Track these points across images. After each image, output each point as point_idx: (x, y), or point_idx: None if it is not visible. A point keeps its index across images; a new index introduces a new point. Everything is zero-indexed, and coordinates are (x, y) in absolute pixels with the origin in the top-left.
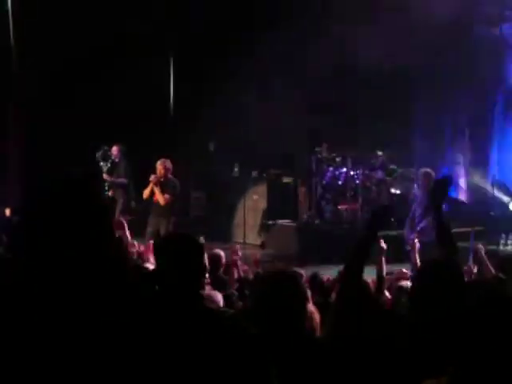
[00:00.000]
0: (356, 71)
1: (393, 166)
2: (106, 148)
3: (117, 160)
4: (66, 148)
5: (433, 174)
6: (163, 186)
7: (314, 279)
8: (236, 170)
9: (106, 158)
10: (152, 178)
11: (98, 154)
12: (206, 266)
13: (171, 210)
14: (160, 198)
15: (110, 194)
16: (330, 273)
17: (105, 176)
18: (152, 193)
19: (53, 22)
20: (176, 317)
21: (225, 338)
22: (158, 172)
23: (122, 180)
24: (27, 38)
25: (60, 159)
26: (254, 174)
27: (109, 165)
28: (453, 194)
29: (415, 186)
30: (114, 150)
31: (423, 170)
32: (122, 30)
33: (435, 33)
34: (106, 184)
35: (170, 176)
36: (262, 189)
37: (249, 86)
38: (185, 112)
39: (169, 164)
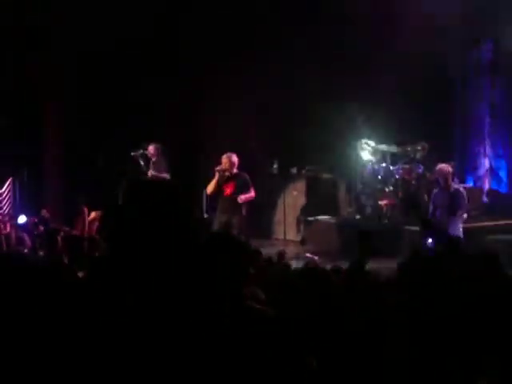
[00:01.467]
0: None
1: (432, 159)
2: (143, 150)
3: (154, 159)
4: (100, 145)
5: (447, 169)
6: (232, 180)
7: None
8: (275, 166)
9: (145, 159)
10: (217, 170)
11: (138, 154)
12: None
13: (242, 206)
14: (229, 189)
15: None
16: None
17: (149, 173)
18: (219, 186)
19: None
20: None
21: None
22: (224, 165)
23: (165, 175)
24: (64, 33)
25: (96, 157)
26: (293, 170)
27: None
28: (493, 187)
29: (455, 179)
30: (151, 149)
31: (439, 166)
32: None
33: None
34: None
35: (236, 170)
36: (301, 185)
37: (288, 81)
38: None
39: (235, 158)
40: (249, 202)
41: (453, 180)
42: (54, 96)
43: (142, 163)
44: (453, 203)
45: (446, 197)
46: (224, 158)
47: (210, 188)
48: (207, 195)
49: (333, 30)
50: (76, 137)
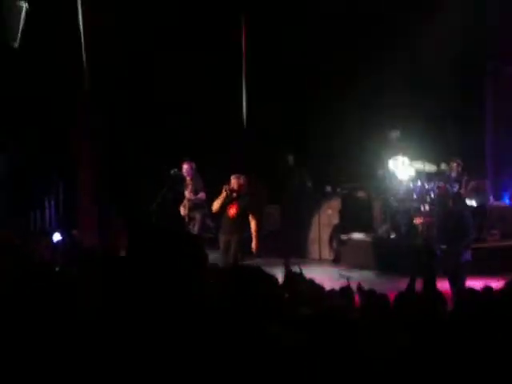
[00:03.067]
0: None
1: (467, 177)
2: (175, 170)
3: (189, 178)
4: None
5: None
6: (237, 201)
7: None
8: (310, 184)
9: (181, 179)
10: (225, 189)
11: (173, 173)
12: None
13: (243, 226)
14: (233, 210)
15: (184, 213)
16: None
17: (187, 194)
18: (223, 206)
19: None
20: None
21: None
22: (232, 186)
23: (202, 195)
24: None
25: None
26: (328, 188)
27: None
28: None
29: (490, 197)
30: (186, 167)
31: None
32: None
33: None
34: (187, 203)
35: (243, 192)
36: (336, 204)
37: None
38: (259, 125)
39: (243, 180)
40: (282, 221)
41: (488, 198)
42: (89, 110)
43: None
44: None
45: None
46: (233, 179)
47: (216, 206)
48: (211, 213)
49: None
50: (111, 150)
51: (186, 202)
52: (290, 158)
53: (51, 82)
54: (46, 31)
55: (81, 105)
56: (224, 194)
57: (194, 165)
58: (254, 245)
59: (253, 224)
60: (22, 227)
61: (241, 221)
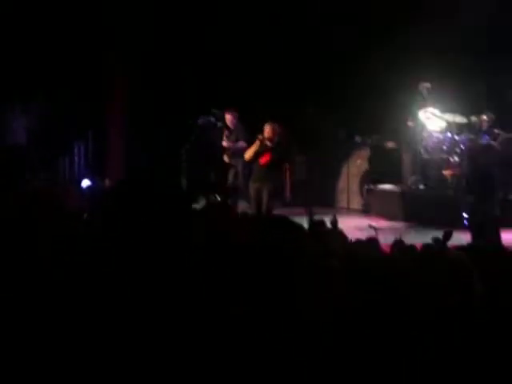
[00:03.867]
0: None
1: (497, 131)
2: (216, 112)
3: (232, 127)
4: (165, 123)
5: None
6: (270, 150)
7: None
8: (357, 138)
9: (220, 119)
10: (259, 137)
11: (201, 121)
12: None
13: (276, 175)
14: (266, 158)
15: (226, 159)
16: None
17: (224, 143)
18: (256, 154)
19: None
20: None
21: None
22: (265, 134)
23: (242, 144)
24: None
25: (159, 135)
26: (358, 139)
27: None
28: None
29: None
30: (229, 118)
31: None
32: None
33: None
34: (229, 152)
35: (277, 140)
36: (366, 154)
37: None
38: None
39: (277, 128)
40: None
41: None
42: (119, 59)
43: (219, 124)
44: None
45: None
46: (267, 127)
47: (249, 154)
48: (243, 161)
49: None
50: (140, 101)
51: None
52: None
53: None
54: None
55: (113, 56)
56: (258, 142)
57: (236, 114)
58: (287, 193)
59: (287, 172)
60: (53, 174)
61: (273, 169)
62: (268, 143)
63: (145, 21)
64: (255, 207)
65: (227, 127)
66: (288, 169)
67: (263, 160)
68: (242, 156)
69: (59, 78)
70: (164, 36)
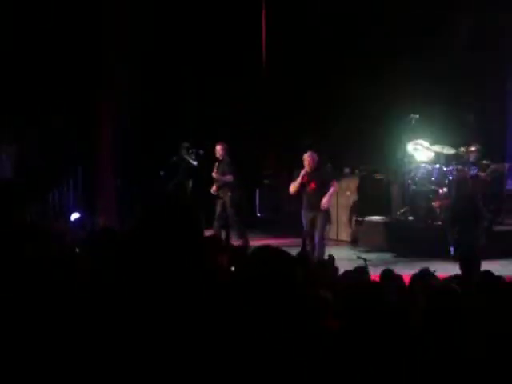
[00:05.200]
0: None
1: (486, 161)
2: (186, 146)
3: (221, 158)
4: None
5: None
6: (315, 177)
7: (387, 275)
8: (329, 166)
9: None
10: (303, 172)
11: (190, 152)
12: None
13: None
14: (325, 202)
15: (213, 190)
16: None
17: (214, 174)
18: (302, 186)
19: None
20: None
21: None
22: (306, 164)
23: (229, 177)
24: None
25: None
26: (346, 170)
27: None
28: None
29: (508, 181)
30: (219, 148)
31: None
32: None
33: None
34: (217, 184)
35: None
36: (354, 185)
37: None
38: (278, 110)
39: (316, 156)
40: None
41: (506, 182)
42: (107, 97)
43: (194, 163)
44: None
45: None
46: (308, 156)
47: (295, 188)
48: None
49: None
50: (128, 135)
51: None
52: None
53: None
54: None
55: (101, 92)
56: (303, 174)
57: (225, 146)
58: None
59: (332, 188)
60: (43, 207)
61: (321, 194)
62: (309, 171)
63: (133, 61)
64: (309, 234)
65: (216, 158)
66: (334, 184)
67: (310, 188)
68: (230, 188)
69: (49, 110)
70: (149, 74)
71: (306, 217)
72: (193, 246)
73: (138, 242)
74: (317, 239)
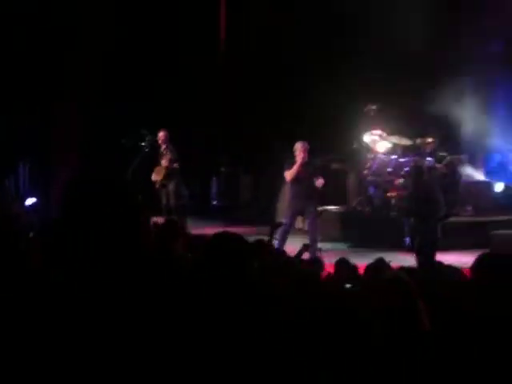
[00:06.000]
0: None
1: (442, 153)
2: (146, 134)
3: (164, 146)
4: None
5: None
6: (308, 168)
7: (343, 264)
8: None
9: (153, 145)
10: (303, 159)
11: (146, 141)
12: None
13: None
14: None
15: (156, 179)
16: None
17: (163, 163)
18: (298, 175)
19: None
20: None
21: None
22: (302, 154)
23: (177, 165)
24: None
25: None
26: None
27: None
28: (504, 181)
29: (464, 173)
30: (162, 135)
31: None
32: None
33: None
34: (163, 171)
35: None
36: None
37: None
38: (236, 95)
39: (308, 146)
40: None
41: (462, 173)
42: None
43: (146, 150)
44: None
45: None
46: (302, 146)
47: (292, 176)
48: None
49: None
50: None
51: (161, 168)
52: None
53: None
54: None
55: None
56: (301, 162)
57: (168, 134)
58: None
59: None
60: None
61: (312, 184)
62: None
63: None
64: (290, 225)
65: (160, 146)
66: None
67: (303, 178)
68: (175, 176)
69: (7, 97)
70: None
71: (294, 205)
72: (129, 231)
73: (70, 227)
74: (310, 226)
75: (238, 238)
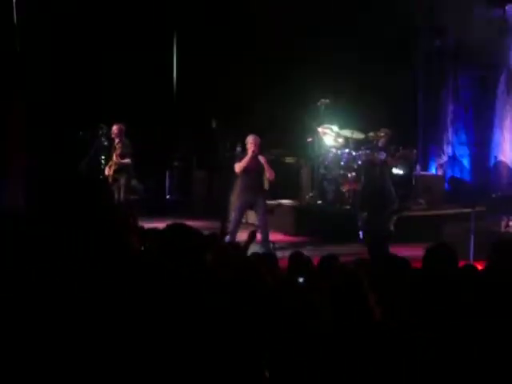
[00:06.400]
0: None
1: (394, 147)
2: (103, 127)
3: (117, 140)
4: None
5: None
6: (257, 161)
7: (297, 258)
8: (238, 149)
9: (108, 137)
10: (253, 150)
11: (101, 132)
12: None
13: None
14: (271, 173)
15: (109, 173)
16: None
17: (114, 158)
18: (247, 167)
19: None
20: None
21: None
22: (251, 148)
23: (128, 160)
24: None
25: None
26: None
27: (106, 143)
28: (456, 174)
29: (417, 166)
30: (115, 129)
31: None
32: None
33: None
34: (114, 166)
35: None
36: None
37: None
38: (188, 90)
39: (259, 140)
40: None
41: (415, 167)
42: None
43: (105, 143)
44: None
45: None
46: (254, 139)
47: (242, 167)
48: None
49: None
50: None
51: (113, 163)
52: (214, 122)
53: None
54: None
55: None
56: (251, 154)
57: (122, 127)
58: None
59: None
60: None
61: (261, 177)
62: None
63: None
64: (239, 217)
65: (113, 140)
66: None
67: (253, 170)
68: (127, 170)
69: None
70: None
71: (243, 198)
72: (100, 221)
73: (39, 219)
74: (260, 221)
75: (190, 230)
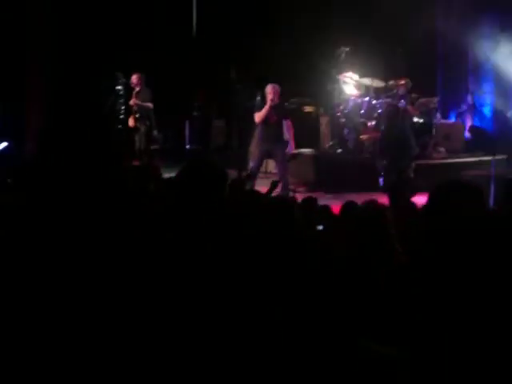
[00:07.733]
0: None
1: (415, 95)
2: (120, 76)
3: (137, 88)
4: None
5: None
6: (277, 110)
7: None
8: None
9: (125, 86)
10: (272, 100)
11: (119, 85)
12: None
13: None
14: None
15: (130, 123)
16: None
17: (132, 102)
18: (266, 117)
19: None
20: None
21: None
22: (271, 97)
23: (150, 104)
24: None
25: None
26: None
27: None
28: (476, 123)
29: (437, 115)
30: (134, 78)
31: None
32: None
33: None
34: (135, 113)
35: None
36: None
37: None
38: (207, 39)
39: (279, 88)
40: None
41: (435, 115)
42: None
43: (121, 93)
44: None
45: None
46: (272, 88)
47: (262, 117)
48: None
49: None
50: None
51: (133, 111)
52: (233, 71)
53: None
54: None
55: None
56: (270, 103)
57: (143, 76)
58: (292, 147)
59: (290, 128)
60: None
61: (280, 128)
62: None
63: None
64: (257, 167)
65: (133, 88)
66: (291, 124)
67: (272, 120)
68: (148, 118)
69: None
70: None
71: (260, 147)
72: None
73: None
74: (280, 170)
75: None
